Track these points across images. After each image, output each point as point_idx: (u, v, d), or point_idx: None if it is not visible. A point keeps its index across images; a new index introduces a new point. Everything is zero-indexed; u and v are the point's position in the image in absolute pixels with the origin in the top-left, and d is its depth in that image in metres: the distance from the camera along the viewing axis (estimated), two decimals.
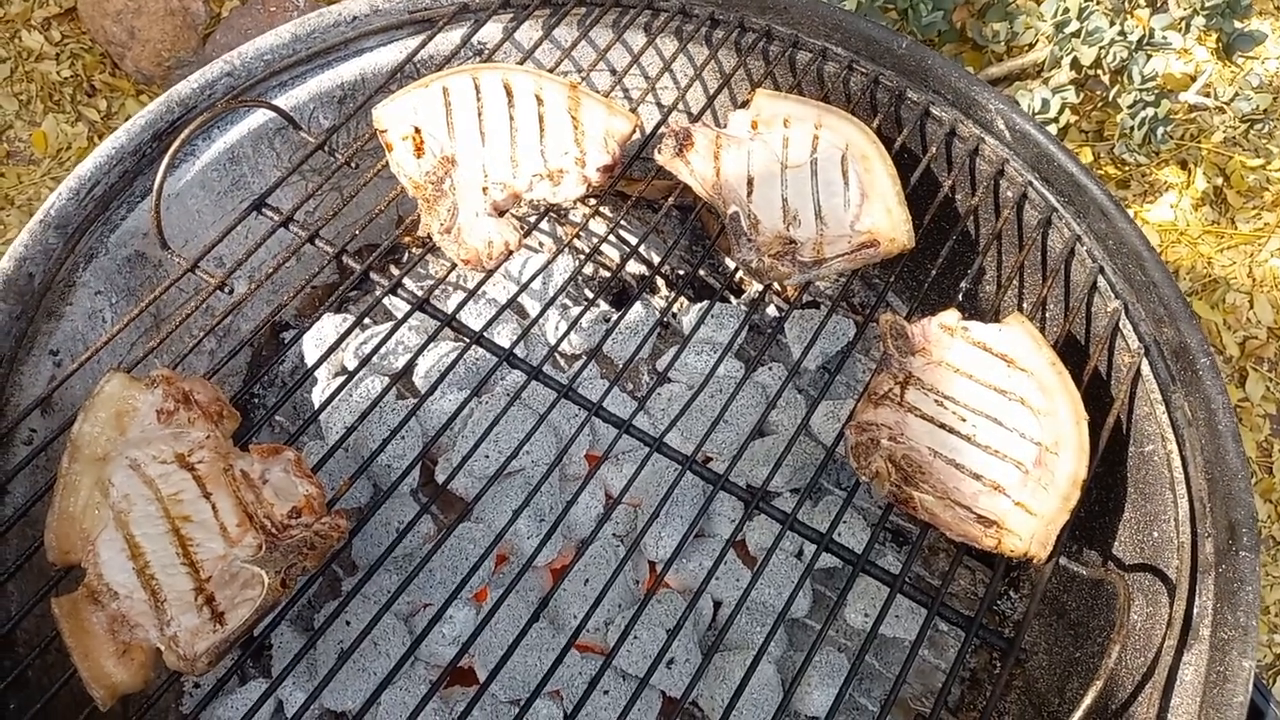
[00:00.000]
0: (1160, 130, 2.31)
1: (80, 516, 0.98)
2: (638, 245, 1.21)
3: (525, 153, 1.23)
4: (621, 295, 1.59)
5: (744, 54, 1.39)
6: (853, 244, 1.19)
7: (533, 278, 1.33)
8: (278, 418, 1.37)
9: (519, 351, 1.43)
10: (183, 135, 1.14)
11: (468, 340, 1.16)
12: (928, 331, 1.13)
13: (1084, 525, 1.22)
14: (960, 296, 1.21)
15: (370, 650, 1.12)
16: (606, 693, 1.13)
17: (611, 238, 1.57)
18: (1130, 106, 2.38)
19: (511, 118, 1.25)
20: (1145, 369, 1.12)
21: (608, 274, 1.59)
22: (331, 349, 1.14)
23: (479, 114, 1.25)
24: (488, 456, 1.25)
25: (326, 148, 1.26)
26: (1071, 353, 1.16)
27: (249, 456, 1.02)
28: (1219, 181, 2.60)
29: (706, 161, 1.24)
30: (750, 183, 1.23)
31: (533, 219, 1.26)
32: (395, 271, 1.52)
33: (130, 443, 1.02)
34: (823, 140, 1.26)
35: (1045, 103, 2.52)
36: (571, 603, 1.18)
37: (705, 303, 1.47)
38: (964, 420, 1.06)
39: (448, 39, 1.40)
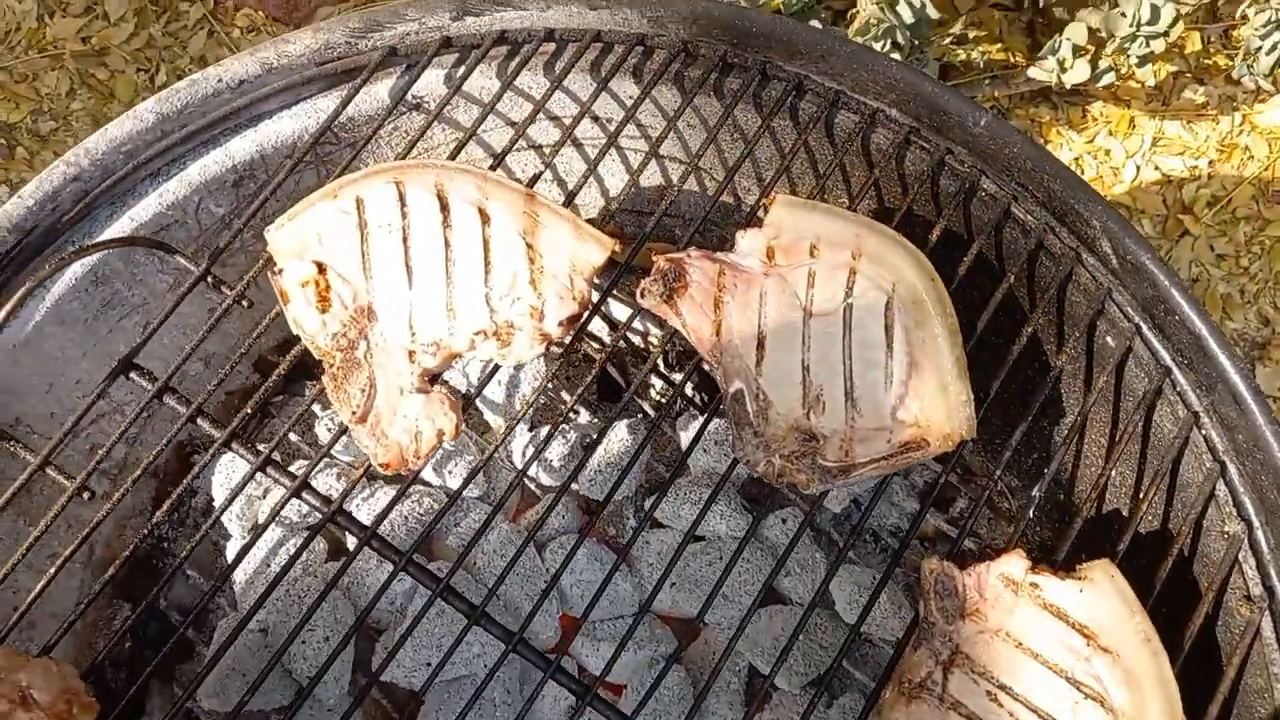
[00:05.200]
0: None
1: None
2: (622, 330, 0.97)
3: (465, 299, 0.93)
4: (599, 390, 1.31)
5: (768, 113, 1.04)
6: (893, 443, 0.90)
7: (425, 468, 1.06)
8: (188, 570, 1.15)
9: (474, 486, 1.17)
10: (3, 313, 0.85)
11: (358, 539, 0.91)
12: (984, 584, 0.86)
13: None
14: (1036, 504, 0.92)
15: None
16: None
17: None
18: (1263, 26, 1.95)
19: (447, 244, 0.94)
20: (1268, 629, 0.85)
21: (589, 355, 1.30)
22: (224, 507, 0.91)
23: (404, 240, 0.94)
24: (428, 664, 1.03)
25: (210, 278, 0.97)
26: (1177, 595, 0.89)
27: None
28: None
29: (704, 312, 0.93)
30: (761, 344, 0.93)
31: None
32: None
33: None
34: (862, 277, 0.94)
35: (1155, 11, 2.06)
36: None
37: (702, 421, 1.18)
38: None
39: (374, 95, 1.06)
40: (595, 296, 0.96)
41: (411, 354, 0.93)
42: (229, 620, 1.09)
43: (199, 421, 0.93)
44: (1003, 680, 0.83)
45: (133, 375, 0.94)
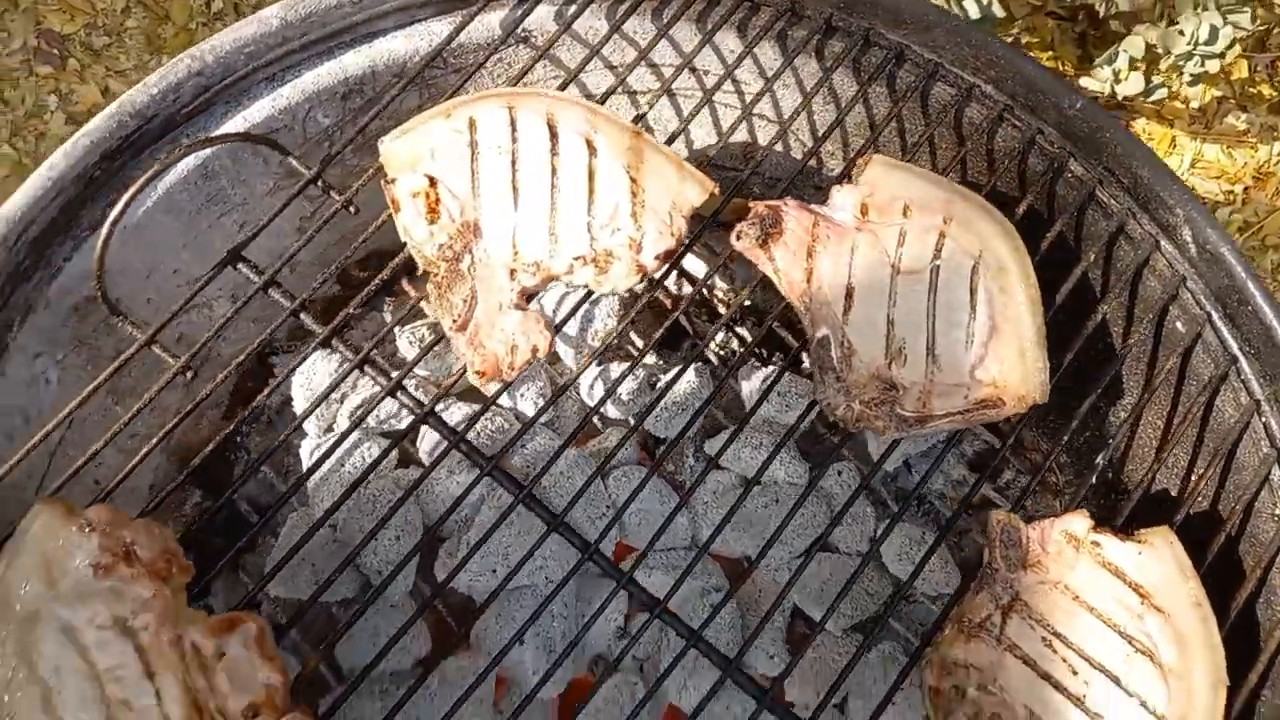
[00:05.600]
0: None
1: (1, 691, 0.83)
2: (700, 285, 1.00)
3: (568, 225, 0.96)
4: (669, 335, 1.34)
5: (866, 79, 1.07)
6: (969, 399, 0.94)
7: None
8: (263, 468, 1.19)
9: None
10: (128, 195, 0.88)
11: (448, 442, 0.95)
12: (1047, 538, 0.90)
13: None
14: (1094, 479, 0.96)
15: None
16: None
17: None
18: None
19: (554, 171, 0.98)
20: None
21: (658, 301, 1.34)
22: (313, 406, 0.95)
23: (513, 162, 0.97)
24: (494, 571, 1.07)
25: (320, 183, 1.00)
26: (1224, 570, 0.93)
27: (201, 625, 0.85)
28: None
29: (797, 259, 0.97)
30: (850, 295, 0.96)
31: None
32: (408, 288, 1.29)
33: (61, 598, 0.84)
34: (951, 241, 0.97)
35: (1213, 31, 2.10)
36: None
37: (771, 372, 1.22)
38: (1075, 673, 0.85)
39: (485, 24, 1.09)
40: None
41: (513, 272, 0.96)
42: (298, 515, 1.13)
43: (301, 316, 0.97)
44: (1058, 629, 0.87)
45: (240, 266, 0.98)
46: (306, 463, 1.17)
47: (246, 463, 1.23)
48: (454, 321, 0.94)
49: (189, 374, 0.94)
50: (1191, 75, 2.17)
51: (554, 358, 1.26)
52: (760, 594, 1.15)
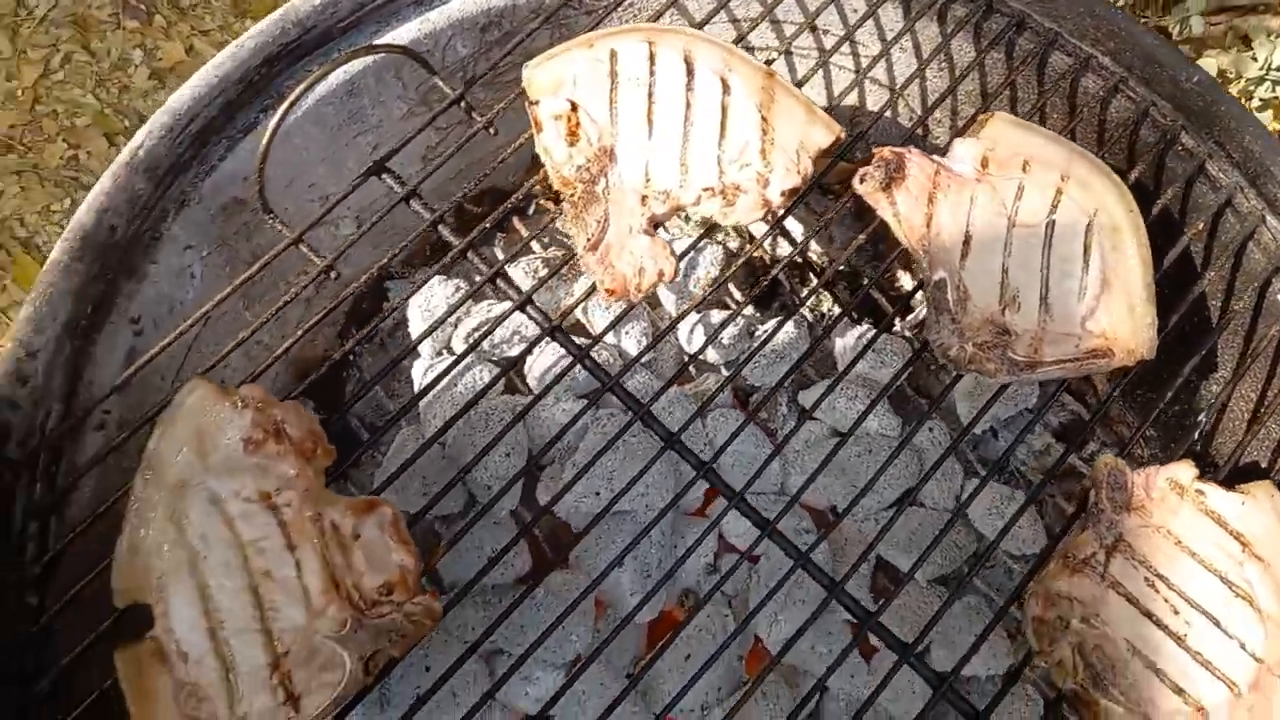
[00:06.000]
0: None
1: (152, 552, 0.87)
2: (803, 244, 1.02)
3: (699, 157, 1.01)
4: (765, 290, 1.38)
5: (985, 45, 1.11)
6: (1080, 348, 0.97)
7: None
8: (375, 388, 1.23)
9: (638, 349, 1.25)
10: (298, 91, 0.93)
11: (573, 356, 0.99)
12: (1152, 485, 0.93)
13: None
14: (1197, 436, 0.99)
15: (447, 700, 1.03)
16: None
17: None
18: None
19: (689, 104, 1.02)
20: None
21: (756, 256, 1.38)
22: (433, 327, 0.99)
23: (650, 94, 1.02)
24: (597, 494, 1.10)
25: (464, 103, 1.04)
26: None
27: (340, 506, 0.89)
28: None
29: (918, 204, 1.01)
30: (967, 242, 1.00)
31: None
32: (520, 227, 1.33)
33: (211, 470, 0.89)
34: (1067, 198, 1.01)
35: None
36: (668, 677, 1.07)
37: (867, 331, 1.26)
38: (1176, 613, 0.88)
39: None
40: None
41: (644, 198, 1.00)
42: (407, 432, 1.17)
43: (440, 228, 1.01)
44: (1160, 570, 0.89)
45: (384, 176, 1.02)
46: (419, 383, 1.21)
47: (359, 380, 1.28)
48: (588, 240, 0.98)
49: (333, 274, 0.99)
50: (1261, 100, 2.20)
51: (655, 302, 1.30)
52: (846, 542, 1.18)
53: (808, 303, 1.37)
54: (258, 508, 0.88)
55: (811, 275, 1.38)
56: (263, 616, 0.85)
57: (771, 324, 1.25)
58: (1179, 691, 0.85)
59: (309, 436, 0.90)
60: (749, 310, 1.30)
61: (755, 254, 1.37)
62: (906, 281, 1.39)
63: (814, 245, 1.40)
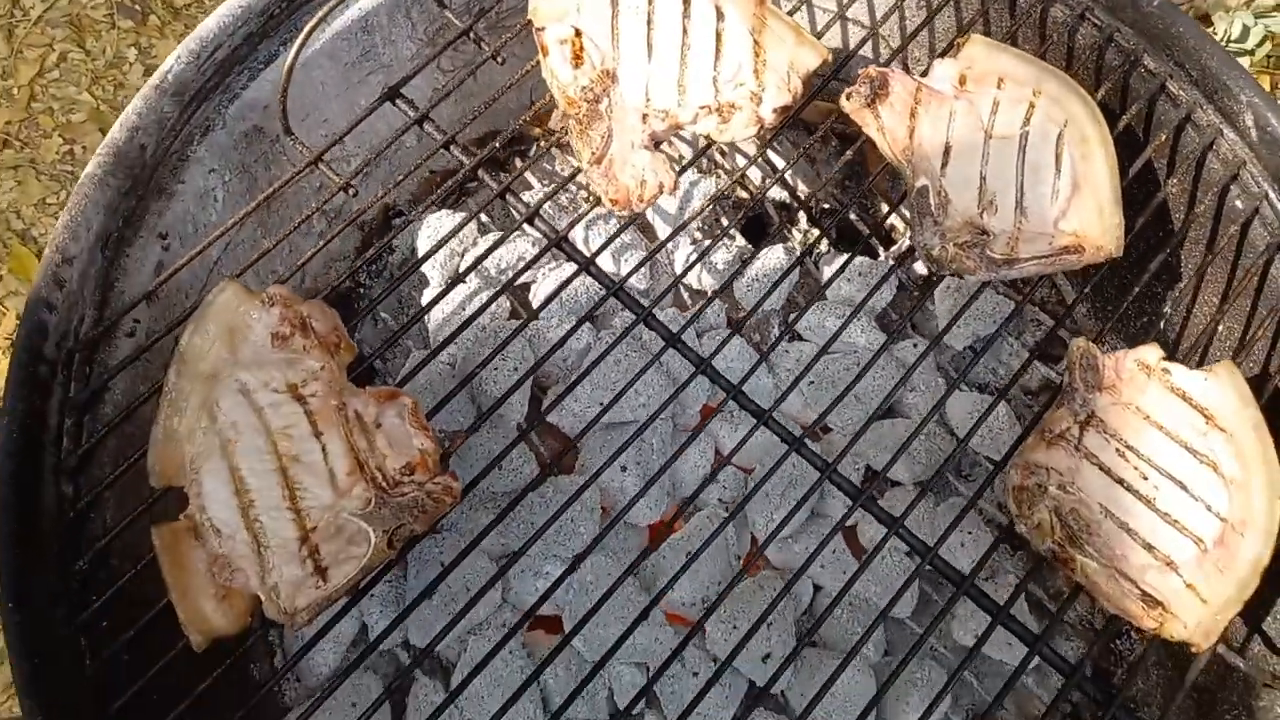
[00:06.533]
0: None
1: (185, 438, 0.92)
2: (783, 172, 1.09)
3: (695, 78, 1.07)
4: (754, 223, 1.45)
5: None
6: (1053, 246, 1.04)
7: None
8: (382, 314, 1.29)
9: (640, 282, 1.31)
10: (319, 15, 0.99)
11: (578, 265, 1.05)
12: (1121, 367, 0.99)
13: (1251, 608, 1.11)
14: (1161, 325, 1.06)
15: (461, 593, 1.09)
16: (695, 674, 1.09)
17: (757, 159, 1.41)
18: None
19: (685, 31, 1.09)
20: None
21: (745, 197, 1.44)
22: (438, 246, 1.04)
23: (649, 21, 1.09)
24: (601, 404, 1.16)
25: (472, 34, 1.11)
26: (1276, 411, 1.03)
27: (363, 396, 0.95)
28: None
29: (901, 118, 1.08)
30: (947, 152, 1.07)
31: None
32: (520, 164, 1.40)
33: (240, 363, 0.94)
34: (1039, 111, 1.08)
35: (1245, 30, 2.25)
36: (669, 572, 1.13)
37: (848, 255, 1.32)
38: (1145, 479, 0.95)
39: None
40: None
41: (644, 116, 1.07)
42: (419, 354, 1.22)
43: (452, 149, 1.07)
44: (1130, 442, 0.96)
45: (398, 102, 1.08)
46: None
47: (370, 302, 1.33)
48: (592, 154, 1.05)
49: (351, 192, 1.05)
50: None
51: (651, 233, 1.37)
52: (834, 452, 1.24)
53: (799, 238, 1.43)
54: (285, 398, 0.93)
55: (801, 214, 1.44)
56: (292, 496, 0.90)
57: (764, 253, 1.31)
58: (1149, 548, 0.92)
59: (333, 332, 0.96)
60: (741, 242, 1.37)
61: (744, 193, 1.44)
62: (896, 222, 1.46)
63: (801, 186, 1.47)
